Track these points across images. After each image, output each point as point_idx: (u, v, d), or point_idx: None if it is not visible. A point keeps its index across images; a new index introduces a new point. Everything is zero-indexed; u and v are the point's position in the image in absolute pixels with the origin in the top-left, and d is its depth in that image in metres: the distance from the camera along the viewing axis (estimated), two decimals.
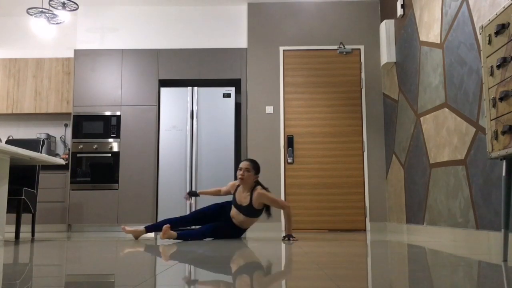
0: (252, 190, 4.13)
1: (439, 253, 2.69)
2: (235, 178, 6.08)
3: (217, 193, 4.45)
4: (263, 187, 4.15)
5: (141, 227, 4.10)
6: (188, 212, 5.80)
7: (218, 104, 5.96)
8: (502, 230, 2.32)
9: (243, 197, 4.17)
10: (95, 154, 5.97)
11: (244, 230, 4.28)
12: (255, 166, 4.18)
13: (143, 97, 6.09)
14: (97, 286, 1.56)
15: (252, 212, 4.12)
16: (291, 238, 3.99)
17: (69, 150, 6.40)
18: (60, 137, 6.54)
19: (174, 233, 3.93)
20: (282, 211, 4.18)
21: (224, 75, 6.11)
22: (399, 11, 5.14)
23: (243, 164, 4.17)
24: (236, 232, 4.24)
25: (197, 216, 4.28)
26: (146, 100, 6.08)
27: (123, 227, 4.04)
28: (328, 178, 5.84)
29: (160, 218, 5.81)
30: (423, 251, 2.80)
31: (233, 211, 4.22)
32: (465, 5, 3.57)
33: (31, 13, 5.60)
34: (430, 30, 4.31)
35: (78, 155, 5.98)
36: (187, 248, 3.12)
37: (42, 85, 6.32)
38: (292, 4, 6.16)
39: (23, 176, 4.76)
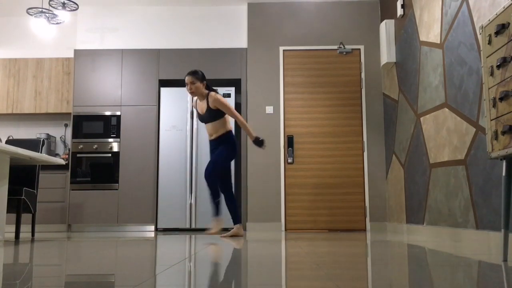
0: (207, 95, 4.46)
1: (439, 253, 2.69)
2: (235, 178, 6.09)
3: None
4: (216, 91, 4.49)
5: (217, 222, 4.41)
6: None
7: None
8: (502, 230, 2.32)
9: (202, 105, 4.50)
10: (95, 154, 5.98)
11: (226, 138, 4.47)
12: (197, 76, 4.44)
13: (143, 97, 6.09)
14: (97, 286, 1.56)
15: (212, 114, 4.43)
16: (263, 143, 4.33)
17: (69, 150, 6.40)
18: (60, 137, 6.54)
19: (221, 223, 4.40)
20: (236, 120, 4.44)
21: (224, 75, 6.11)
22: (399, 11, 5.14)
23: (186, 80, 4.46)
24: (225, 147, 4.46)
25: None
26: (146, 100, 6.08)
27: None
28: (328, 178, 5.84)
29: (160, 218, 5.81)
30: (423, 251, 2.80)
31: (207, 129, 4.54)
32: (465, 5, 3.58)
33: (31, 13, 5.60)
34: (430, 30, 4.31)
35: (78, 155, 5.98)
36: (186, 248, 3.12)
37: (42, 85, 6.32)
38: (292, 4, 6.16)
39: (23, 176, 4.76)
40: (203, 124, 5.04)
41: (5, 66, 6.36)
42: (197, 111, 4.59)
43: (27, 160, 4.36)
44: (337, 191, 5.82)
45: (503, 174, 2.32)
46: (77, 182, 5.93)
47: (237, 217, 4.49)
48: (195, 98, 4.63)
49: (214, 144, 4.52)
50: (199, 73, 4.46)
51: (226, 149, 4.44)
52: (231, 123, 4.65)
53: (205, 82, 4.50)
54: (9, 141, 4.92)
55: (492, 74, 2.32)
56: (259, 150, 5.89)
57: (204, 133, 5.94)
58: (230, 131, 4.51)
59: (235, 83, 6.35)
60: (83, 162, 5.96)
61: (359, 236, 4.47)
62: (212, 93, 4.43)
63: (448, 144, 3.88)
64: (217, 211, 4.38)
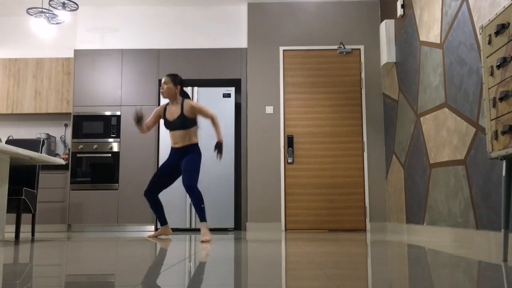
0: (182, 102, 4.37)
1: (439, 253, 2.69)
2: (235, 178, 6.09)
3: (148, 127, 4.53)
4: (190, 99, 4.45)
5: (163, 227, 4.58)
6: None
7: (218, 104, 5.96)
8: (502, 230, 2.32)
9: (174, 111, 4.38)
10: (95, 154, 5.98)
11: (192, 147, 4.34)
12: (173, 79, 4.41)
13: (143, 97, 6.09)
14: (97, 286, 1.56)
15: (185, 121, 4.31)
16: (220, 152, 4.20)
17: (69, 150, 6.40)
18: (60, 137, 6.54)
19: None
20: (212, 123, 4.32)
21: (224, 75, 6.11)
22: (399, 11, 5.14)
23: (162, 80, 4.45)
24: (191, 155, 4.31)
25: (165, 173, 4.44)
26: (146, 100, 6.08)
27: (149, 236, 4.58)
28: (328, 178, 5.84)
29: None
30: (423, 251, 2.80)
31: (173, 136, 4.38)
32: (465, 5, 3.58)
33: (31, 13, 5.60)
34: (430, 30, 4.31)
35: (78, 155, 5.98)
36: (186, 248, 3.12)
37: (42, 85, 6.32)
38: (292, 4, 6.16)
39: (23, 176, 4.76)
40: (206, 145, 4.63)
41: (5, 66, 6.36)
42: (165, 118, 4.42)
43: (27, 160, 4.36)
44: (337, 191, 5.82)
45: (503, 174, 2.32)
46: (77, 182, 5.93)
47: (162, 219, 4.54)
48: (164, 106, 4.50)
49: (179, 153, 4.37)
50: (175, 76, 4.42)
51: (194, 157, 4.30)
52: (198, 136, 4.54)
53: (179, 87, 4.40)
54: (9, 141, 4.92)
55: (492, 74, 2.32)
56: (259, 150, 5.89)
57: (204, 132, 5.93)
58: (197, 144, 4.40)
59: (235, 83, 6.35)
60: (83, 162, 5.96)
61: (359, 236, 4.46)
62: (188, 100, 4.36)
63: (448, 144, 3.88)
64: (204, 215, 4.18)
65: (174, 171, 4.43)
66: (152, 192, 4.43)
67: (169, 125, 4.38)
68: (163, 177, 4.41)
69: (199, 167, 4.31)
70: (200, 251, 2.89)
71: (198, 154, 4.34)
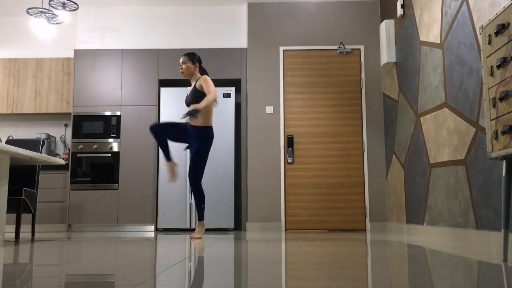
0: (198, 78, 4.41)
1: (439, 253, 2.69)
2: (235, 178, 6.09)
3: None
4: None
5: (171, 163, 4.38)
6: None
7: (218, 104, 5.96)
8: (502, 230, 2.32)
9: (191, 89, 4.43)
10: (95, 154, 5.98)
11: (205, 132, 4.28)
12: (191, 57, 4.44)
13: (143, 97, 6.09)
14: (97, 286, 1.56)
15: (196, 94, 4.30)
16: (194, 113, 4.02)
17: (69, 150, 6.40)
18: (60, 137, 6.54)
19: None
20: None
21: (224, 75, 6.11)
22: (399, 11, 5.14)
23: (180, 60, 4.48)
24: (202, 143, 4.26)
25: (177, 131, 4.35)
26: (146, 100, 6.08)
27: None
28: (328, 178, 5.84)
29: (160, 218, 5.81)
30: (423, 251, 2.80)
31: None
32: (465, 5, 3.58)
33: (31, 13, 5.60)
34: (430, 30, 4.31)
35: (78, 155, 5.98)
36: (186, 248, 3.12)
37: (42, 85, 6.32)
38: (292, 4, 6.16)
39: (23, 176, 4.76)
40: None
41: (5, 66, 6.36)
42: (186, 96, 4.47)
43: (27, 160, 4.36)
44: (337, 191, 5.82)
45: (503, 174, 2.32)
46: (77, 182, 5.93)
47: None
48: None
49: (192, 131, 4.29)
50: (192, 55, 4.44)
51: (203, 145, 4.25)
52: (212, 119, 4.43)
53: (197, 64, 4.43)
54: (9, 141, 4.91)
55: (492, 74, 2.32)
56: (259, 150, 5.89)
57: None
58: (211, 127, 4.32)
59: (235, 83, 6.35)
60: (83, 162, 5.96)
61: (359, 236, 4.46)
62: (204, 76, 4.34)
63: (448, 144, 3.88)
64: (202, 215, 4.28)
65: (184, 137, 4.35)
66: (159, 133, 4.28)
67: (186, 100, 4.43)
68: (172, 132, 4.30)
69: (206, 157, 4.29)
70: (200, 251, 2.89)
71: (209, 139, 4.28)
